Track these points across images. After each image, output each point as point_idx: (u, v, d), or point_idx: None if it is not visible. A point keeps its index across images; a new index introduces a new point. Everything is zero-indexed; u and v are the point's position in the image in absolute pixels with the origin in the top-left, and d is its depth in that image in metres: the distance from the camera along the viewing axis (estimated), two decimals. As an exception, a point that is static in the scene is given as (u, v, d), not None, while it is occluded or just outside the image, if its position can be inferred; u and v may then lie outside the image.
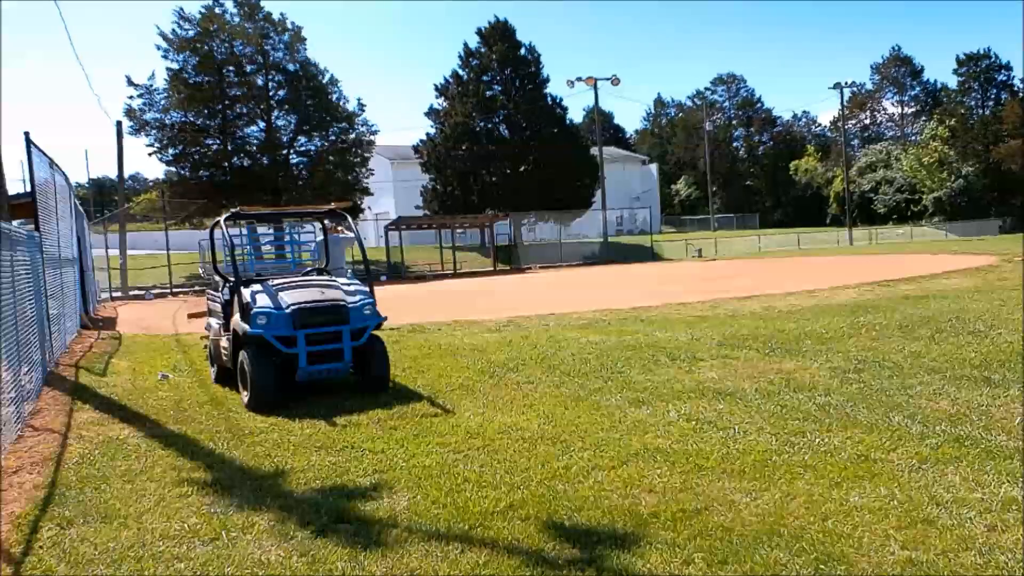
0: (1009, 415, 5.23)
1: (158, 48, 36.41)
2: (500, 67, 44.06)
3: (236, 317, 6.86)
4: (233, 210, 8.02)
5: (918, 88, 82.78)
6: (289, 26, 38.19)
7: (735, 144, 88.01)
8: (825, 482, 4.11)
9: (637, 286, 20.56)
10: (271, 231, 12.35)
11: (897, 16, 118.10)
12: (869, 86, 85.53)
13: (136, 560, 3.48)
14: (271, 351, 6.53)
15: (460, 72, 44.72)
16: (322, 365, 6.66)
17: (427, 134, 44.55)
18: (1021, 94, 68.03)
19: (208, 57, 36.65)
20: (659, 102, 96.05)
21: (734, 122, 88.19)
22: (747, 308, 12.43)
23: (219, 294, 7.71)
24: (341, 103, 39.47)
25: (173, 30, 36.40)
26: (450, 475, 4.49)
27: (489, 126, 43.56)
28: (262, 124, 39.08)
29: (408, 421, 5.85)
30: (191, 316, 15.06)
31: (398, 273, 33.89)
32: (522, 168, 43.11)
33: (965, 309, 10.81)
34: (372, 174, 41.86)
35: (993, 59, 71.09)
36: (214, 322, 7.99)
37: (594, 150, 46.80)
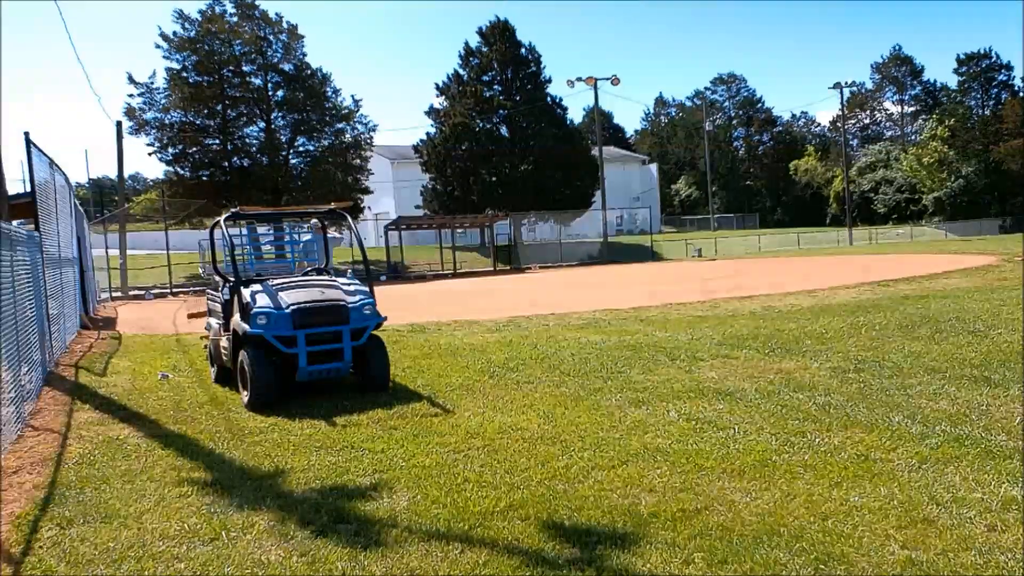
0: (1009, 415, 5.23)
1: (158, 47, 36.49)
2: (500, 67, 44.09)
3: (236, 317, 6.86)
4: (233, 210, 8.01)
5: (918, 88, 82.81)
6: (285, 26, 38.21)
7: (735, 144, 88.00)
8: (825, 482, 4.11)
9: (637, 286, 20.56)
10: (271, 231, 12.35)
11: (898, 16, 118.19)
12: (869, 85, 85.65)
13: (136, 560, 3.48)
14: (271, 351, 6.52)
15: (460, 72, 44.76)
16: (322, 365, 6.66)
17: (427, 134, 44.62)
18: (1021, 94, 68.03)
19: (208, 57, 36.67)
20: (659, 102, 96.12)
21: (734, 122, 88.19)
22: (747, 308, 12.43)
23: (219, 294, 7.71)
24: (338, 101, 39.48)
25: (174, 31, 36.45)
26: (450, 475, 4.49)
27: (489, 126, 43.57)
28: (262, 124, 39.11)
29: (408, 421, 5.85)
30: (191, 316, 15.05)
31: (398, 273, 33.88)
32: (522, 168, 43.12)
33: (965, 309, 10.81)
34: (371, 174, 41.86)
35: (993, 59, 71.14)
36: (214, 322, 7.99)
37: (594, 150, 46.81)
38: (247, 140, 39.04)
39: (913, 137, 77.47)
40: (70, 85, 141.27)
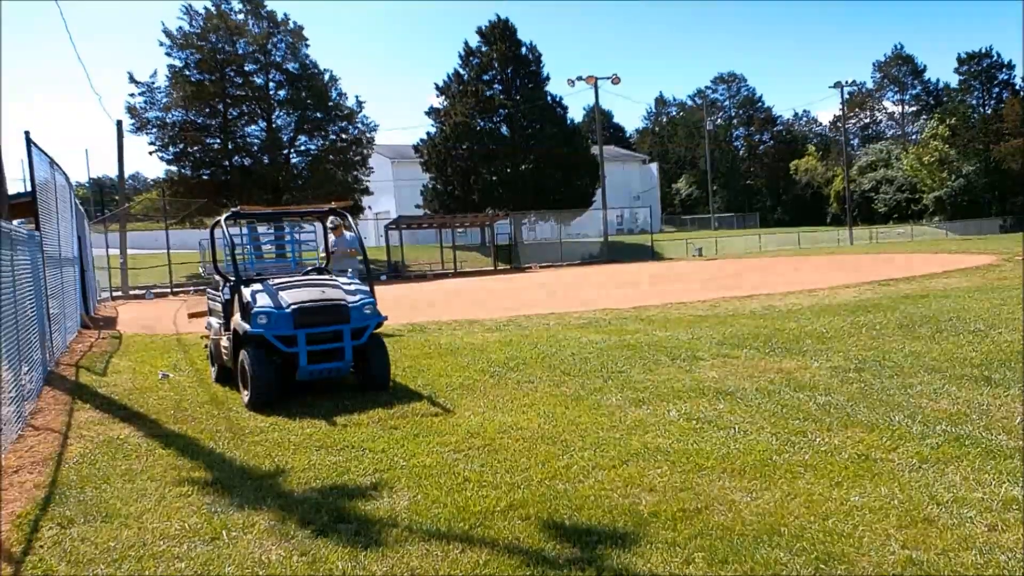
0: (1009, 414, 5.23)
1: (161, 45, 36.50)
2: (501, 66, 44.07)
3: (237, 316, 6.86)
4: (233, 209, 8.01)
5: (919, 87, 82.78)
6: (291, 26, 38.23)
7: (736, 143, 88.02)
8: (825, 481, 4.10)
9: (637, 285, 20.56)
10: (271, 230, 12.34)
11: (898, 15, 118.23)
12: (870, 85, 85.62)
13: (136, 560, 3.48)
14: (272, 350, 6.53)
15: (461, 71, 44.75)
16: (323, 364, 6.66)
17: (427, 133, 44.63)
18: (1022, 93, 67.96)
19: (211, 55, 36.67)
20: (660, 101, 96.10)
21: (735, 121, 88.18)
22: (747, 307, 12.43)
23: (219, 293, 7.71)
24: (341, 101, 39.51)
25: (179, 27, 36.46)
26: (450, 474, 4.49)
27: (490, 125, 43.56)
28: (263, 123, 39.13)
29: (408, 420, 5.85)
30: (191, 315, 15.05)
31: (398, 272, 33.88)
32: (522, 167, 43.13)
33: (965, 308, 10.81)
34: (372, 172, 41.88)
35: (994, 58, 71.11)
36: (214, 321, 8.00)
37: (594, 149, 46.80)
38: (248, 139, 39.07)
39: (914, 136, 77.46)
40: (70, 85, 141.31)
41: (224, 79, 37.50)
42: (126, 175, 31.79)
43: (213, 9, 37.02)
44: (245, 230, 10.49)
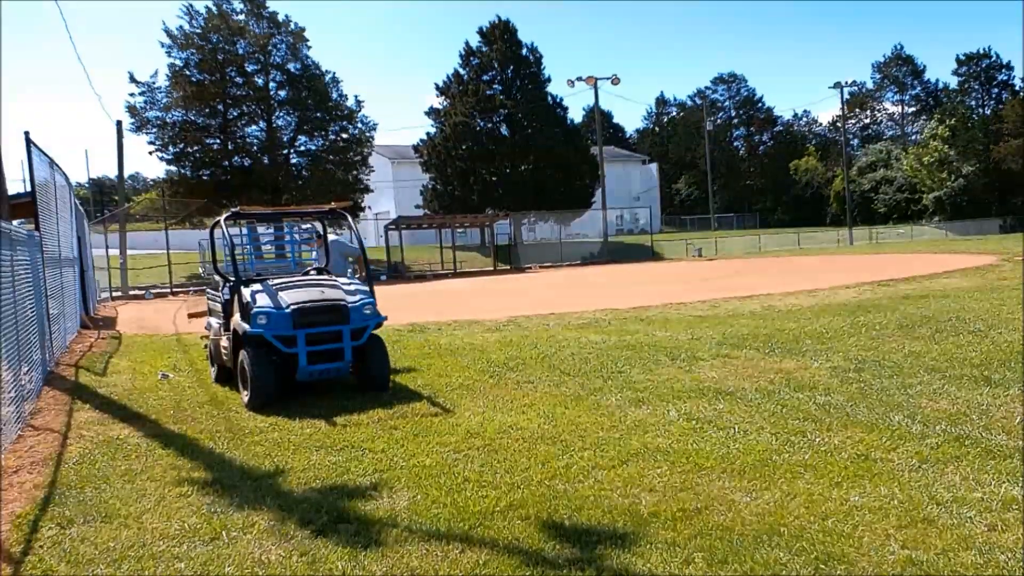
0: (1009, 414, 5.23)
1: (162, 45, 36.52)
2: (501, 66, 44.06)
3: (236, 317, 6.86)
4: (233, 209, 8.01)
5: (919, 87, 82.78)
6: (292, 27, 38.23)
7: (735, 143, 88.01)
8: (825, 481, 4.10)
9: (637, 285, 20.56)
10: (271, 231, 12.33)
11: (898, 16, 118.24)
12: (870, 85, 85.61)
13: (136, 560, 3.48)
14: (271, 350, 6.52)
15: (461, 71, 44.75)
16: (322, 365, 6.66)
17: (427, 133, 44.66)
18: (1022, 93, 67.98)
19: (211, 55, 36.68)
20: (660, 101, 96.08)
21: (735, 121, 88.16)
22: (747, 308, 12.43)
23: (219, 294, 7.71)
24: (341, 102, 39.51)
25: (180, 27, 36.46)
26: (450, 475, 4.49)
27: (489, 125, 43.56)
28: (263, 124, 39.14)
29: (408, 421, 5.84)
30: (191, 316, 15.05)
31: (398, 273, 33.88)
32: (522, 167, 43.13)
33: (965, 308, 10.81)
34: (372, 171, 41.88)
35: (994, 59, 71.14)
36: (214, 322, 7.99)
37: (594, 149, 46.80)
38: (248, 139, 39.07)
39: (913, 137, 77.45)
40: (70, 85, 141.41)
41: (224, 79, 37.50)
42: (126, 175, 31.80)
43: (214, 9, 37.04)
44: (245, 230, 10.49)
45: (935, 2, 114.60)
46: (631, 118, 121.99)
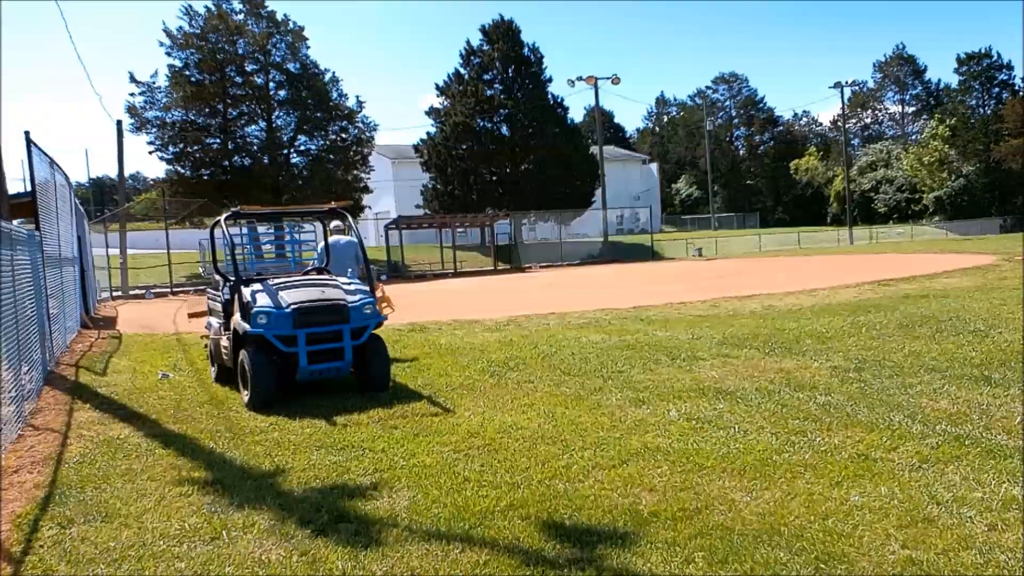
0: (1009, 414, 5.22)
1: (162, 45, 36.50)
2: (502, 66, 44.02)
3: (236, 316, 6.86)
4: (233, 209, 8.00)
5: (919, 87, 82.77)
6: (292, 26, 38.22)
7: (736, 143, 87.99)
8: (825, 481, 4.10)
9: (637, 285, 20.56)
10: (271, 230, 12.34)
11: (899, 15, 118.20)
12: (871, 84, 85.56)
13: (136, 560, 3.48)
14: (271, 350, 6.52)
15: (461, 71, 44.71)
16: (323, 364, 6.66)
17: (428, 133, 44.60)
18: (1022, 93, 67.92)
19: (211, 55, 36.67)
20: (660, 101, 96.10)
21: (735, 121, 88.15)
22: (747, 307, 12.43)
23: (219, 293, 7.71)
24: (341, 101, 39.51)
25: (179, 27, 36.45)
26: (450, 474, 4.49)
27: (490, 125, 43.53)
28: (263, 123, 39.12)
29: (408, 420, 5.84)
30: (191, 315, 15.04)
31: (398, 272, 33.89)
32: (523, 167, 43.12)
33: (965, 308, 10.81)
34: (372, 170, 41.87)
35: (994, 58, 71.01)
36: (214, 321, 7.99)
37: (594, 149, 46.79)
38: (248, 139, 39.05)
39: (914, 136, 77.44)
40: (70, 85, 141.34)
41: (224, 79, 37.48)
42: (126, 175, 31.80)
43: (213, 9, 37.02)
44: (245, 230, 10.49)
45: (936, 2, 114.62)
46: (631, 118, 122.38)
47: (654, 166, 73.84)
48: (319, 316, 6.64)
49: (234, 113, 38.43)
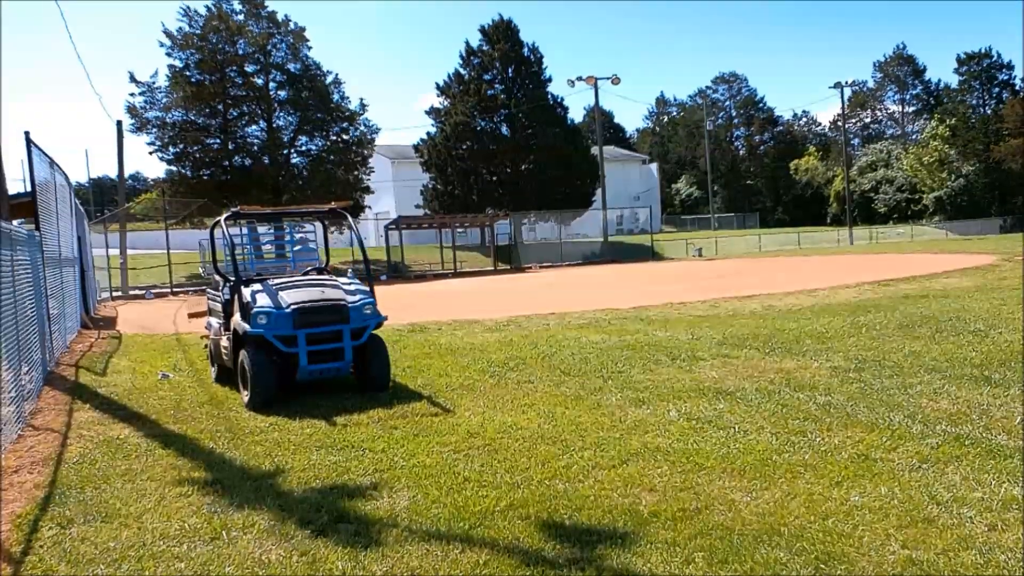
0: (1009, 414, 5.23)
1: (162, 45, 36.46)
2: (502, 66, 44.04)
3: (236, 316, 6.86)
4: (233, 209, 8.01)
5: (919, 87, 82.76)
6: (292, 27, 38.21)
7: (736, 143, 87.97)
8: (825, 481, 4.10)
9: (637, 285, 20.56)
10: (271, 231, 12.33)
11: (899, 15, 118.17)
12: (871, 84, 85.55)
13: (136, 560, 3.48)
14: (271, 350, 6.52)
15: (461, 71, 44.73)
16: (323, 364, 6.66)
17: (428, 133, 44.65)
18: (1022, 93, 67.91)
19: (211, 55, 36.65)
20: (660, 101, 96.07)
21: (735, 121, 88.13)
22: (747, 308, 12.43)
23: (219, 293, 7.71)
24: (343, 103, 39.48)
25: (179, 28, 36.43)
26: (450, 474, 4.49)
27: (490, 125, 43.56)
28: (263, 124, 39.07)
29: (408, 420, 5.85)
30: (191, 316, 15.05)
31: (398, 272, 33.89)
32: (523, 167, 43.13)
33: (965, 308, 10.81)
34: (372, 171, 41.86)
35: (994, 58, 71.00)
36: (214, 321, 7.99)
37: (594, 149, 46.79)
38: (248, 139, 39.02)
39: (914, 136, 77.44)
40: (70, 85, 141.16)
41: (224, 79, 37.45)
42: (126, 175, 31.79)
43: (213, 9, 37.00)
44: (245, 230, 10.48)
45: (936, 2, 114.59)
46: (631, 118, 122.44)
47: (654, 166, 73.84)
48: (319, 316, 6.65)
49: (234, 113, 38.41)
